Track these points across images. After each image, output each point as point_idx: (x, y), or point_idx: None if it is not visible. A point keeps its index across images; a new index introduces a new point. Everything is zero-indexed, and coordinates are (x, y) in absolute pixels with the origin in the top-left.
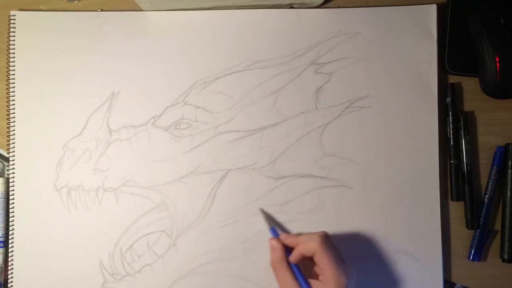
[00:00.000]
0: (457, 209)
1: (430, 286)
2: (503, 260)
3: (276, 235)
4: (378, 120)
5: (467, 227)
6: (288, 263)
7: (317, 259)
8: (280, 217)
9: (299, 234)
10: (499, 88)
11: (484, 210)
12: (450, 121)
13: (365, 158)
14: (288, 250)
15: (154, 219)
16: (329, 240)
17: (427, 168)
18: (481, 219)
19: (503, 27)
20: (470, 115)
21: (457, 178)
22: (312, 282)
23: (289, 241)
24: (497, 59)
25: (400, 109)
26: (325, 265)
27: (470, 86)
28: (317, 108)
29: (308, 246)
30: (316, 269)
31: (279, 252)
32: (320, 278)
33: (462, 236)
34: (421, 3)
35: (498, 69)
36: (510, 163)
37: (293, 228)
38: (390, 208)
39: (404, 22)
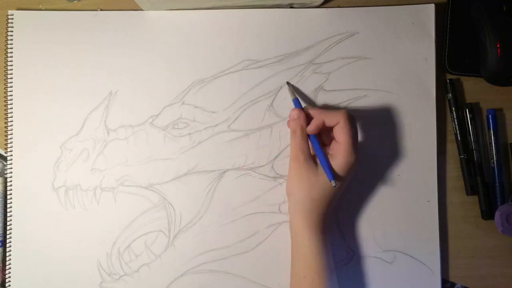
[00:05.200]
0: (456, 209)
1: (428, 285)
2: None
3: (299, 107)
4: (376, 120)
5: (483, 217)
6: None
7: (337, 130)
8: (278, 217)
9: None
10: (500, 75)
11: (498, 194)
12: (455, 117)
13: (363, 157)
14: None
15: (152, 219)
16: (353, 120)
17: (426, 167)
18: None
19: (506, 14)
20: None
21: (469, 172)
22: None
23: (311, 112)
24: (498, 45)
25: (398, 109)
26: (342, 138)
27: (470, 86)
28: None
29: (334, 116)
30: (331, 143)
31: (302, 120)
32: (331, 151)
33: (461, 236)
34: (420, 3)
35: (499, 56)
36: None
37: None
38: (388, 207)
39: (402, 21)
